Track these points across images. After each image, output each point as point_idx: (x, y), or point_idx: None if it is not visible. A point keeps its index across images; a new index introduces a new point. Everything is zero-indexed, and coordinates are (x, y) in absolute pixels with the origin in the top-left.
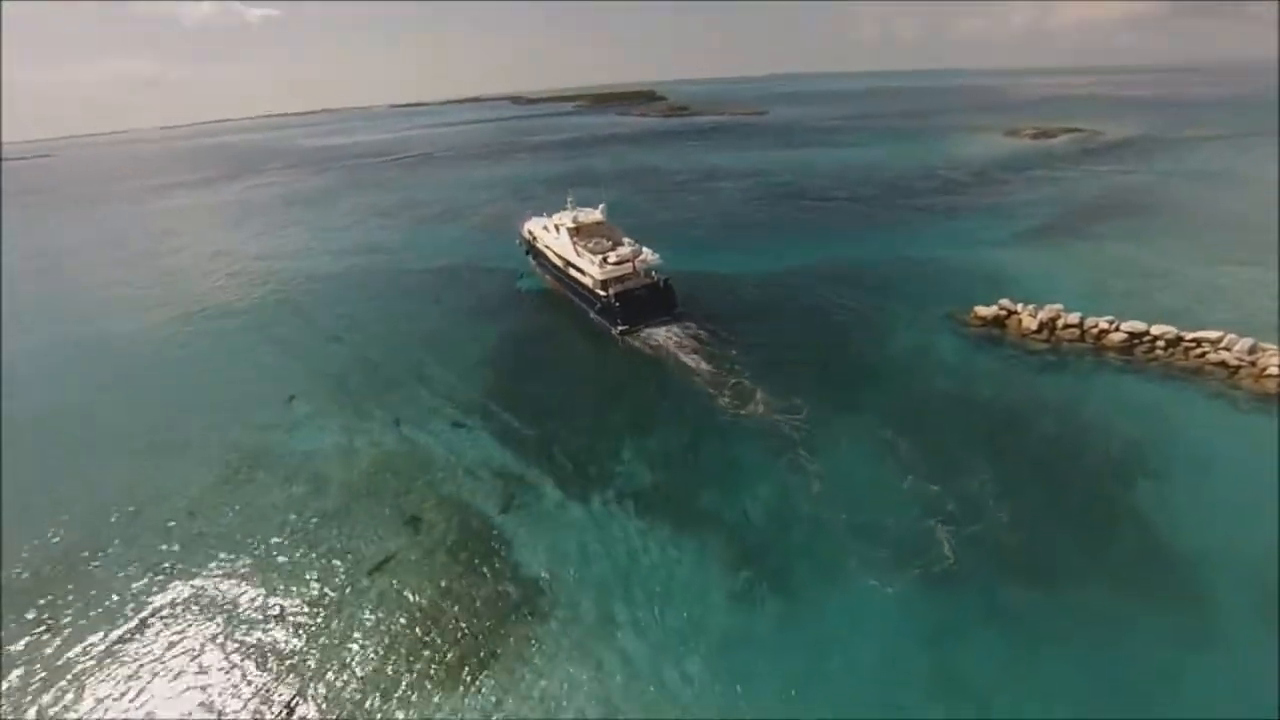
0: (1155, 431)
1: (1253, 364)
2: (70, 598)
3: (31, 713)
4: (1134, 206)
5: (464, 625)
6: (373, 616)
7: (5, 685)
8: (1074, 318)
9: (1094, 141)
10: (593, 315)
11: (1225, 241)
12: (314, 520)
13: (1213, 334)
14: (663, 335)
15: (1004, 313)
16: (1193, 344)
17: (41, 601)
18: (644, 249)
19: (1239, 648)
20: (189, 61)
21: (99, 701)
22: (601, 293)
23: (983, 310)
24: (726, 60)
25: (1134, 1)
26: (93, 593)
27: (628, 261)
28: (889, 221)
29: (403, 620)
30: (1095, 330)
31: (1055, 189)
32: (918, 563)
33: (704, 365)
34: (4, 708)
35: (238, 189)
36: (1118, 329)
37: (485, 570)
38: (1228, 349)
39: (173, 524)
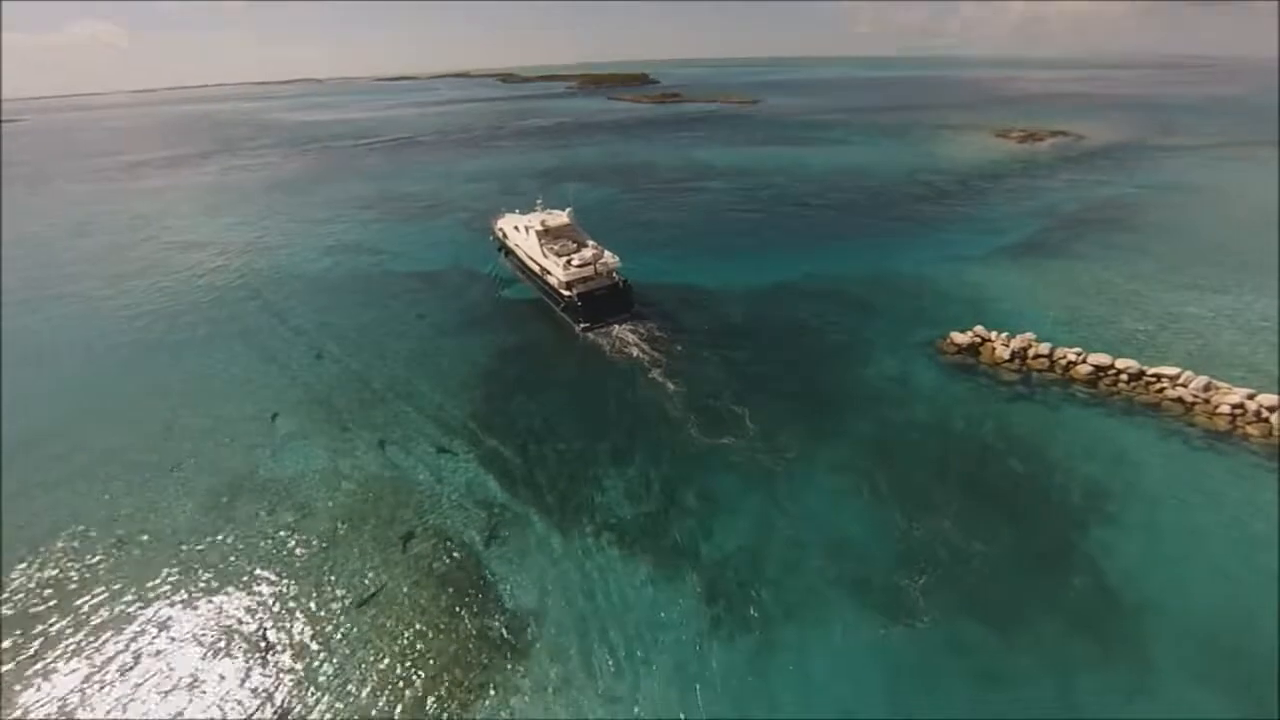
0: (1112, 472)
1: (1206, 401)
2: (56, 631)
3: None
4: (1110, 223)
5: (451, 662)
6: (362, 651)
7: None
8: (1044, 348)
9: (1077, 147)
10: (558, 312)
11: (1196, 265)
12: (302, 550)
13: (1171, 370)
14: (639, 350)
15: (979, 340)
16: (1153, 379)
17: (30, 632)
18: (605, 252)
19: (1171, 704)
20: (166, 27)
21: None
22: (566, 293)
23: (958, 337)
24: (721, 43)
25: None
26: (79, 626)
27: (590, 264)
28: (873, 232)
29: (392, 654)
30: (1064, 361)
31: (1035, 201)
32: (886, 602)
33: (685, 388)
34: None
35: (214, 170)
36: (1084, 361)
37: (472, 604)
38: (1184, 385)
39: (159, 554)
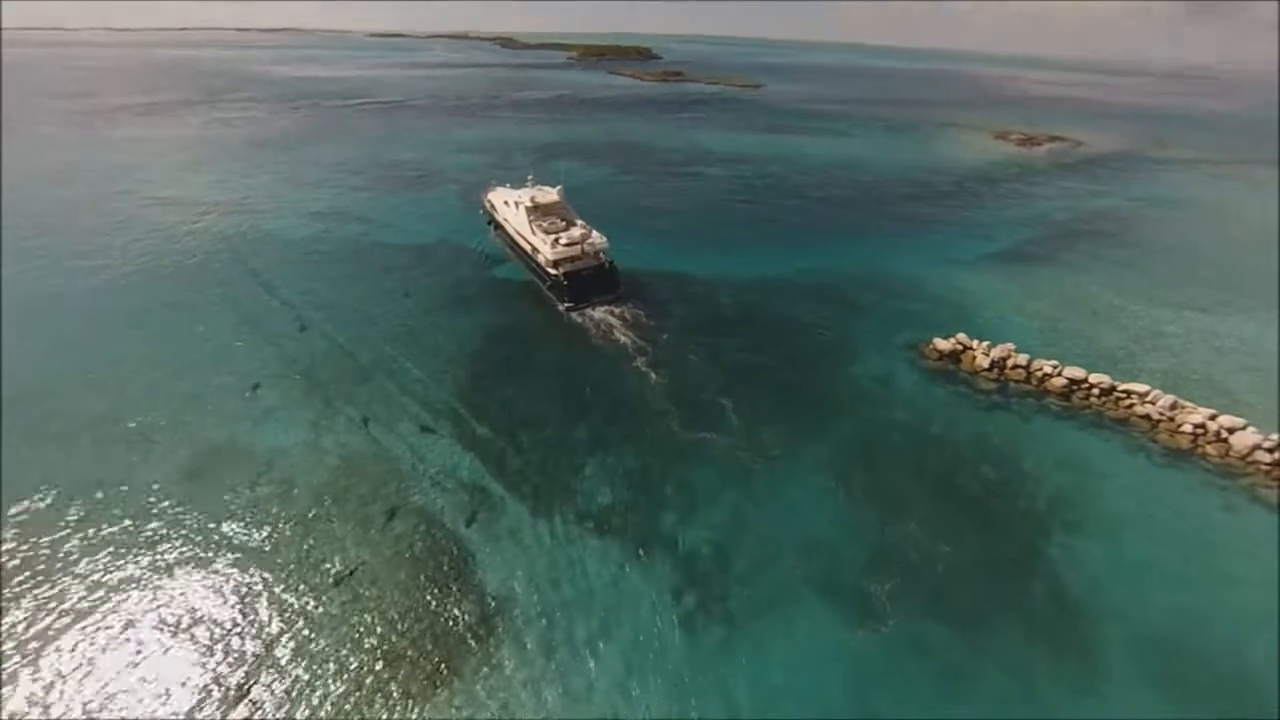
0: (1078, 483)
1: (1171, 419)
2: (26, 596)
3: None
4: (1100, 235)
5: (424, 642)
6: (335, 629)
7: None
8: (1022, 359)
9: (1074, 154)
10: (544, 290)
11: (1181, 283)
12: (280, 525)
13: (1140, 387)
14: (627, 337)
15: (960, 347)
16: (1123, 395)
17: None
18: (593, 232)
19: (1116, 700)
20: None
21: (46, 693)
22: (552, 271)
23: (941, 343)
24: (726, 19)
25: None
26: (51, 592)
27: (578, 244)
28: (866, 230)
29: (364, 634)
30: (1040, 373)
31: (1029, 208)
32: (854, 603)
33: (669, 379)
34: None
35: (196, 121)
36: (1060, 374)
37: (447, 586)
38: (1152, 403)
39: (136, 522)
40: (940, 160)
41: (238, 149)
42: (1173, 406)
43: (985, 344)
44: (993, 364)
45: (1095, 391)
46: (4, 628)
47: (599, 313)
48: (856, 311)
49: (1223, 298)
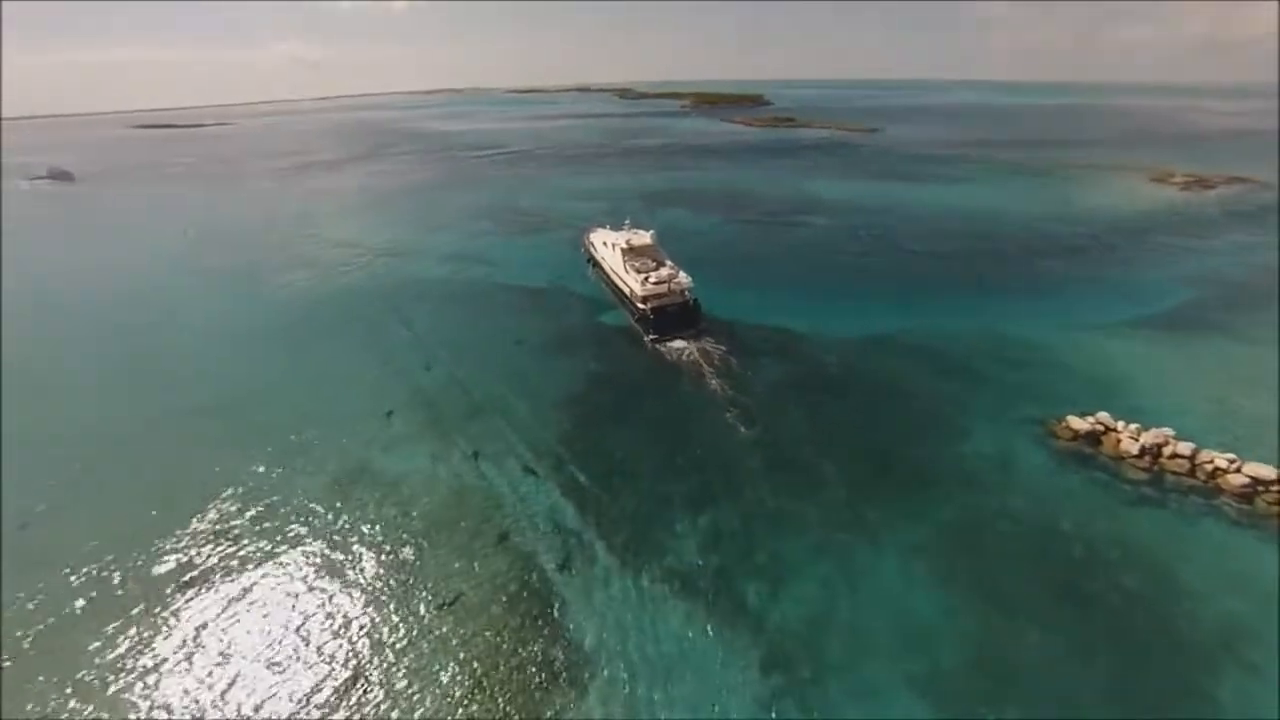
0: (1264, 612)
1: None
2: (214, 577)
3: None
4: None
5: (512, 682)
6: (436, 654)
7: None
8: (1184, 448)
9: (1255, 199)
10: (633, 322)
11: None
12: (399, 546)
13: None
14: (724, 391)
15: (1100, 428)
16: None
17: (189, 577)
18: (680, 272)
19: None
20: (341, 45)
21: (160, 681)
22: (641, 305)
23: (1076, 422)
24: (844, 61)
25: None
26: (223, 578)
27: (665, 283)
28: (990, 288)
29: (459, 664)
30: (1210, 466)
31: (1191, 264)
32: (958, 709)
33: (767, 437)
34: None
35: (364, 174)
36: (1238, 469)
37: (537, 629)
38: None
39: (287, 528)
40: (1082, 209)
41: (391, 197)
42: None
43: (1134, 426)
44: (1143, 450)
45: None
46: (190, 593)
47: (694, 356)
48: (976, 379)
49: None
